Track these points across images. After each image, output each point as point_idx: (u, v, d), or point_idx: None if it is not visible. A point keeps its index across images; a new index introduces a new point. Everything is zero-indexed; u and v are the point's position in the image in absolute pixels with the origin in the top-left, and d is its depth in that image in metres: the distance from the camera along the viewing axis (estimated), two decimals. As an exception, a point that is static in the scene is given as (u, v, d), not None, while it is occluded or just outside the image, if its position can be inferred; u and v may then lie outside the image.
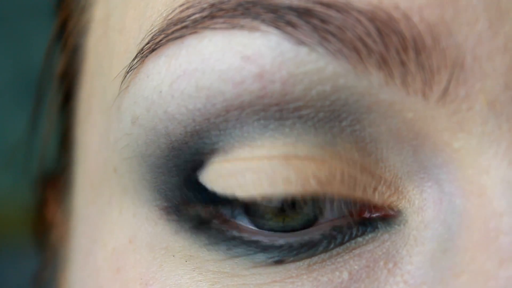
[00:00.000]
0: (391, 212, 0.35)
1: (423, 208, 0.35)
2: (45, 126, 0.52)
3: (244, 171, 0.35)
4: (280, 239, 0.36)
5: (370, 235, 0.35)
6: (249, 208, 0.36)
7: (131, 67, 0.37)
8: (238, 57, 0.34)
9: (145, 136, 0.36)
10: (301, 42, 0.33)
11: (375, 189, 0.35)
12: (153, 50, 0.36)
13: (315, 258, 0.35)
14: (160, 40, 0.35)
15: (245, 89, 0.34)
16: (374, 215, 0.36)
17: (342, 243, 0.35)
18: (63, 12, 0.47)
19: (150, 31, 0.36)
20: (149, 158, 0.37)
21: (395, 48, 0.33)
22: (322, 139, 0.35)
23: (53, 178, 0.53)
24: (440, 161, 0.34)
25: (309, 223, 0.36)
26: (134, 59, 0.37)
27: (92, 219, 0.41)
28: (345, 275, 0.35)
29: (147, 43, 0.36)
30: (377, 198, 0.35)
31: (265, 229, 0.36)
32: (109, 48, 0.40)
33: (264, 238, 0.36)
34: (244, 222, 0.36)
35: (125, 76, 0.37)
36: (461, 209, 0.34)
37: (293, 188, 0.35)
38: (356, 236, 0.35)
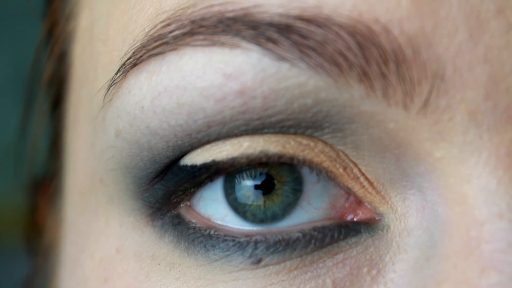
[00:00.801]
0: (374, 215, 0.36)
1: (406, 215, 0.35)
2: (34, 131, 0.52)
3: (225, 141, 0.35)
4: (257, 235, 0.36)
5: (353, 239, 0.35)
6: (229, 194, 0.37)
7: (113, 81, 0.37)
8: (219, 74, 0.34)
9: (129, 150, 0.37)
10: (282, 58, 0.33)
11: (356, 178, 0.36)
12: (135, 65, 0.36)
13: (295, 261, 0.35)
14: (142, 56, 0.36)
15: (227, 105, 0.34)
16: (356, 218, 0.36)
17: (322, 246, 0.35)
18: (50, 18, 0.47)
19: (133, 45, 0.36)
20: (133, 170, 0.37)
21: (376, 61, 0.33)
22: (305, 141, 0.35)
23: (44, 183, 0.53)
24: (422, 170, 0.34)
25: (290, 208, 0.36)
26: (117, 73, 0.37)
27: (81, 228, 0.41)
28: (329, 283, 0.35)
29: (129, 58, 0.36)
30: (357, 189, 0.36)
31: (247, 218, 0.36)
32: (93, 58, 0.40)
33: (240, 234, 0.36)
34: (224, 212, 0.37)
35: (108, 89, 0.37)
36: (443, 217, 0.34)
37: (273, 147, 0.35)
38: (339, 239, 0.35)
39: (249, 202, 0.36)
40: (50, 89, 0.49)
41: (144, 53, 0.35)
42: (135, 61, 0.36)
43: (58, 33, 0.46)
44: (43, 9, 0.49)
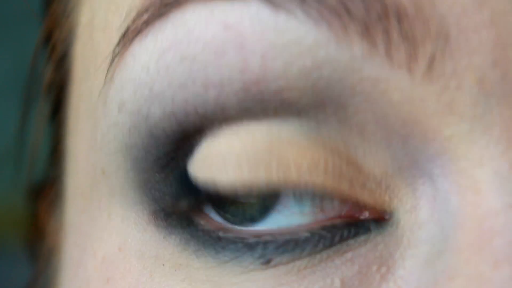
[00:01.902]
0: (384, 214, 0.35)
1: (416, 208, 0.34)
2: (34, 136, 0.52)
3: (226, 154, 0.35)
4: (266, 235, 0.35)
5: (362, 237, 0.34)
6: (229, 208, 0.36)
7: (115, 54, 0.37)
8: (220, 26, 0.34)
9: (129, 123, 0.36)
10: (279, 7, 0.33)
11: (363, 185, 0.35)
12: (139, 31, 0.36)
13: (304, 261, 0.34)
14: (146, 20, 0.35)
15: (226, 62, 0.34)
16: (365, 217, 0.35)
17: (332, 245, 0.34)
18: (49, 21, 0.47)
19: (136, 13, 0.36)
20: (132, 151, 0.37)
21: (377, 14, 0.32)
22: (306, 126, 0.34)
23: (45, 189, 0.52)
24: (432, 153, 0.33)
25: (267, 211, 0.35)
26: (117, 44, 0.37)
27: (83, 228, 0.41)
28: (337, 282, 0.34)
29: (132, 25, 0.36)
30: (366, 196, 0.35)
31: (227, 219, 0.36)
32: (94, 49, 0.40)
33: (249, 235, 0.35)
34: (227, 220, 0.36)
35: (110, 65, 0.37)
36: (455, 207, 0.33)
37: (274, 175, 0.34)
38: (348, 237, 0.34)
39: (228, 202, 0.36)
40: (49, 94, 0.48)
41: (148, 17, 0.35)
42: (139, 26, 0.36)
43: (57, 34, 0.45)
44: (41, 12, 0.49)
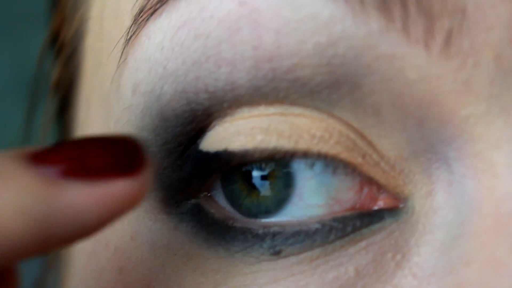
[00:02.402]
0: (398, 200, 0.34)
1: (431, 193, 0.34)
2: (39, 136, 0.52)
3: (238, 126, 0.35)
4: (275, 227, 0.35)
5: (376, 226, 0.34)
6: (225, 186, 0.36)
7: (129, 36, 0.36)
8: (235, 2, 0.33)
9: (143, 103, 0.36)
10: None
11: (377, 163, 0.34)
12: (155, 10, 0.35)
13: (316, 251, 0.34)
14: (160, 0, 0.35)
15: (240, 39, 0.33)
16: (380, 207, 0.34)
17: (344, 235, 0.34)
18: (56, 18, 0.47)
19: None
20: (142, 133, 0.36)
21: None
22: (319, 104, 0.34)
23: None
24: (448, 135, 0.33)
25: (283, 203, 0.35)
26: (131, 26, 0.36)
27: None
28: (352, 271, 0.34)
29: (147, 4, 0.35)
30: (379, 176, 0.34)
31: (242, 213, 0.35)
32: (105, 39, 0.40)
33: (258, 226, 0.35)
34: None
35: (124, 48, 0.36)
36: (471, 192, 0.32)
37: (287, 142, 0.34)
38: (361, 227, 0.34)
39: (243, 196, 0.36)
40: (57, 91, 0.48)
41: None
42: (154, 5, 0.35)
43: (66, 31, 0.45)
44: (48, 8, 0.49)
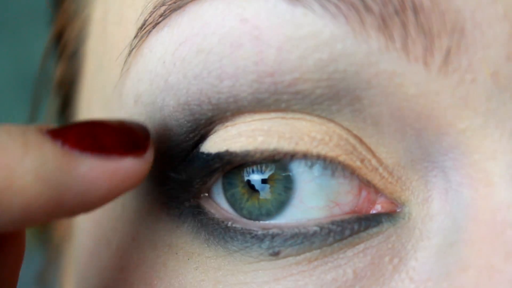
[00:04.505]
0: (395, 205, 0.35)
1: (428, 200, 0.34)
2: None
3: (240, 128, 0.35)
4: (273, 228, 0.35)
5: (374, 229, 0.35)
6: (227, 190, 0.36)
7: (132, 47, 0.37)
8: (237, 19, 0.34)
9: (145, 114, 0.37)
10: (296, 1, 0.33)
11: (375, 168, 0.35)
12: (156, 24, 0.36)
13: (315, 253, 0.35)
14: (163, 13, 0.36)
15: (241, 55, 0.34)
16: (377, 211, 0.35)
17: (342, 238, 0.35)
18: (59, 19, 0.47)
19: (153, 6, 0.36)
20: None
21: (394, 7, 0.32)
22: (319, 113, 0.35)
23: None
24: (445, 146, 0.33)
25: (283, 206, 0.36)
26: (134, 38, 0.37)
27: (96, 218, 0.41)
28: (350, 273, 0.34)
29: (149, 17, 0.36)
30: (377, 181, 0.35)
31: (243, 216, 0.36)
32: (108, 43, 0.40)
33: (257, 227, 0.36)
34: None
35: (127, 58, 0.37)
36: (467, 200, 0.33)
37: (286, 144, 0.35)
38: (359, 231, 0.35)
39: (245, 199, 0.36)
40: (59, 90, 0.49)
41: (165, 9, 0.35)
42: (157, 19, 0.36)
43: (69, 32, 0.46)
44: (52, 9, 0.49)
